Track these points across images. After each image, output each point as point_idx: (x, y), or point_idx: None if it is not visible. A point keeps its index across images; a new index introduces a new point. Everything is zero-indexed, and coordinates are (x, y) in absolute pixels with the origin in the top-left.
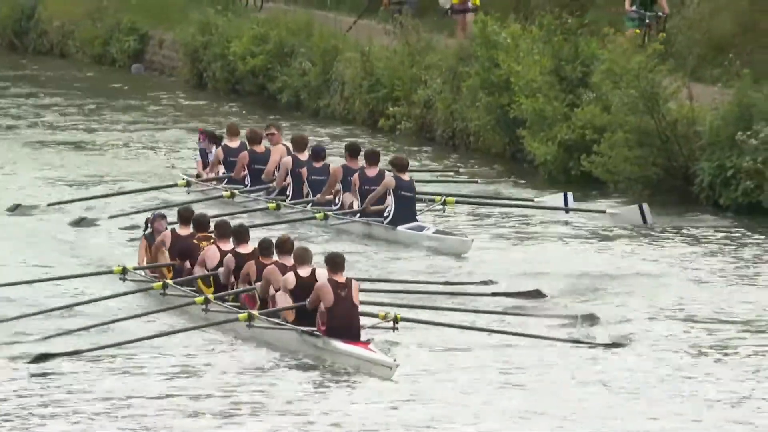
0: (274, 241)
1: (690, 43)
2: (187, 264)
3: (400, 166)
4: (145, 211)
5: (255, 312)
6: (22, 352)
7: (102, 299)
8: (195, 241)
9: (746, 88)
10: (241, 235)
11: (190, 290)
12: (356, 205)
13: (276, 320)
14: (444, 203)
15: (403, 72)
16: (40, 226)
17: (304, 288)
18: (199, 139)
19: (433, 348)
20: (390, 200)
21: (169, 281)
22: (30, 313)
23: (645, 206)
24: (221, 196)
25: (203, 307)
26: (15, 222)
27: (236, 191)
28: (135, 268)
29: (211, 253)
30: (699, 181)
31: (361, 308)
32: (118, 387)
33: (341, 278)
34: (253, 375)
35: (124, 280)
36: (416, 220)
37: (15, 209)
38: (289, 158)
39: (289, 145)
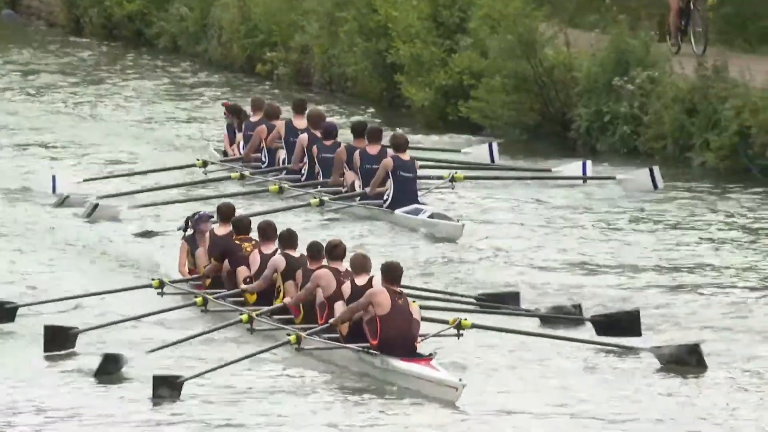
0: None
1: None
2: (226, 264)
3: (397, 145)
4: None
5: (303, 334)
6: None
7: (136, 318)
8: (237, 242)
9: (623, 34)
10: (289, 239)
11: (233, 302)
12: (357, 185)
13: (326, 339)
14: (452, 179)
15: (280, 17)
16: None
17: (360, 298)
18: (225, 114)
19: (504, 357)
20: (389, 182)
21: (210, 296)
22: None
23: (656, 169)
24: (229, 178)
25: (248, 326)
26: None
27: (246, 172)
28: (173, 281)
29: (253, 258)
30: (576, 127)
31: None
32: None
33: (397, 289)
34: (302, 399)
35: (162, 294)
36: (417, 202)
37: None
38: (306, 135)
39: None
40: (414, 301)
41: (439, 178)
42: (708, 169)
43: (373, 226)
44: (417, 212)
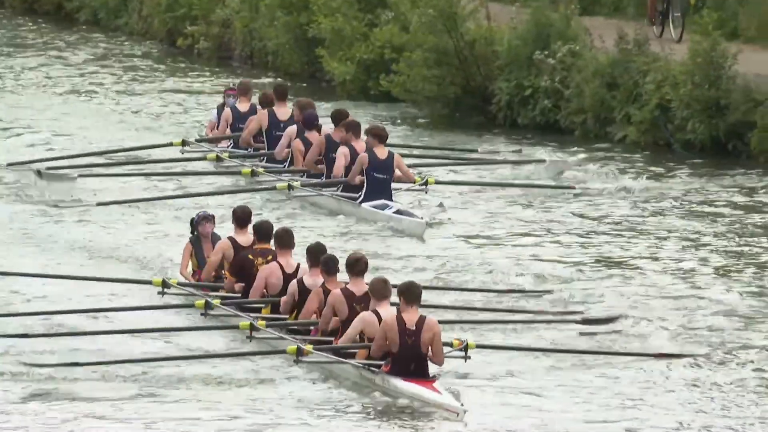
0: (339, 258)
1: None
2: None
3: (376, 137)
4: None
5: (306, 347)
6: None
7: (133, 309)
8: (251, 257)
9: (543, 8)
10: (313, 255)
11: (241, 308)
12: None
13: (329, 354)
14: (425, 183)
15: None
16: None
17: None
18: (226, 93)
19: (511, 376)
20: (363, 179)
21: (215, 302)
22: (53, 311)
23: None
24: (205, 158)
25: (247, 333)
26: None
27: (225, 155)
28: (179, 284)
29: (268, 272)
30: (497, 101)
31: None
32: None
33: (414, 315)
34: (301, 412)
35: (163, 294)
36: (389, 199)
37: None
38: (294, 127)
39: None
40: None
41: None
42: (628, 144)
43: (339, 218)
44: (384, 207)
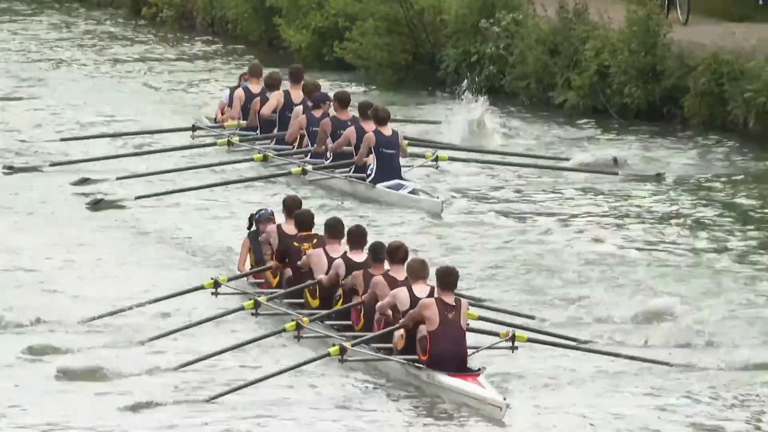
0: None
1: None
2: (288, 269)
3: (379, 118)
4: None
5: (348, 344)
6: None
7: (191, 326)
8: (296, 243)
9: None
10: (356, 238)
11: (290, 303)
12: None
13: (375, 348)
14: (436, 159)
15: None
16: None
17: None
18: (242, 78)
19: (558, 372)
20: (372, 157)
21: (262, 299)
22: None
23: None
24: (215, 144)
25: (295, 333)
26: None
27: (235, 139)
28: (229, 279)
29: (316, 258)
30: (445, 67)
31: (474, 324)
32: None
33: (450, 298)
34: (344, 410)
35: (216, 294)
36: (400, 177)
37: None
38: (300, 108)
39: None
40: (471, 313)
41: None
42: (569, 106)
43: (354, 199)
44: (398, 188)
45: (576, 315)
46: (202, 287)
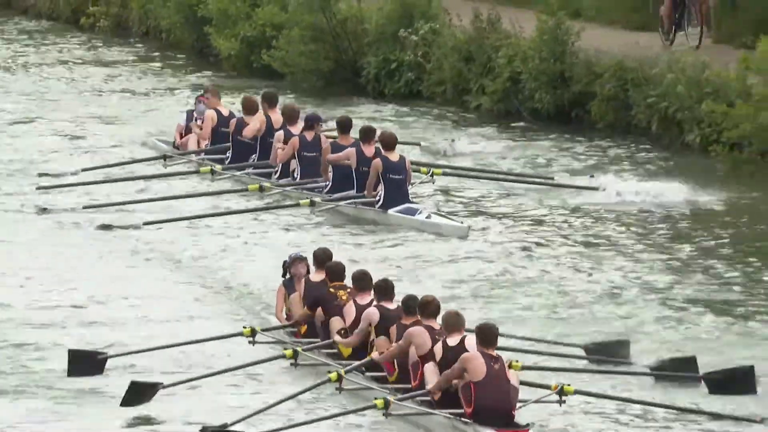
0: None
1: None
2: (320, 314)
3: (386, 144)
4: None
5: (391, 398)
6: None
7: (225, 371)
8: (331, 290)
9: None
10: (385, 290)
11: (326, 353)
12: (297, 171)
13: (416, 404)
14: (432, 174)
15: None
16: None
17: (452, 360)
18: (198, 100)
19: (606, 427)
20: (380, 184)
21: (299, 348)
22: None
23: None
24: (198, 172)
25: (336, 385)
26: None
27: (217, 167)
28: (264, 329)
29: (348, 309)
30: (366, 74)
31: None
32: None
33: (493, 352)
34: None
35: (253, 343)
36: (409, 201)
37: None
38: (281, 133)
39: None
40: (516, 362)
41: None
42: (483, 111)
43: (366, 227)
44: (412, 212)
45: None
46: (240, 334)
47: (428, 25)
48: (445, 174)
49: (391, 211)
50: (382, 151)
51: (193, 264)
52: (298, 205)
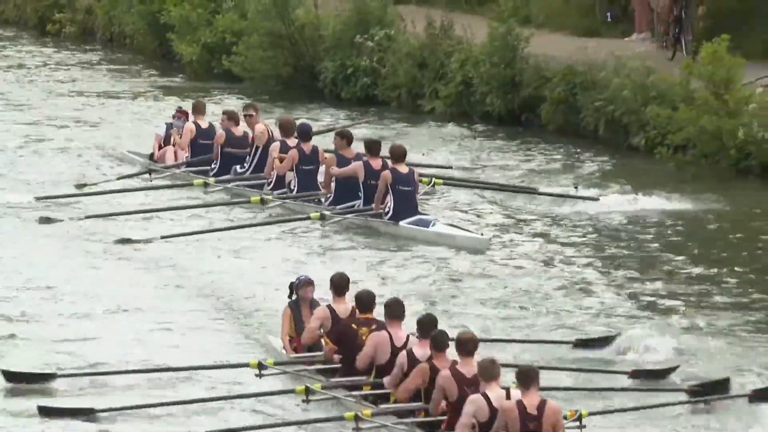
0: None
1: None
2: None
3: (396, 156)
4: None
5: None
6: None
7: (233, 397)
8: (354, 327)
9: None
10: (427, 327)
11: (346, 393)
12: (294, 183)
13: None
14: (433, 185)
15: None
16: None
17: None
18: (175, 116)
19: None
20: (389, 196)
21: (316, 386)
22: (145, 404)
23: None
24: (191, 184)
25: (353, 425)
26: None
27: (210, 180)
28: (275, 363)
29: (379, 341)
30: (324, 78)
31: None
32: None
33: (535, 396)
34: None
35: (260, 376)
36: (418, 213)
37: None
38: (278, 144)
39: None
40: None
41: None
42: (437, 114)
43: (378, 240)
44: (425, 224)
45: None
46: (247, 365)
47: (383, 31)
48: (446, 184)
49: (402, 223)
50: (390, 163)
51: (196, 279)
52: (309, 218)
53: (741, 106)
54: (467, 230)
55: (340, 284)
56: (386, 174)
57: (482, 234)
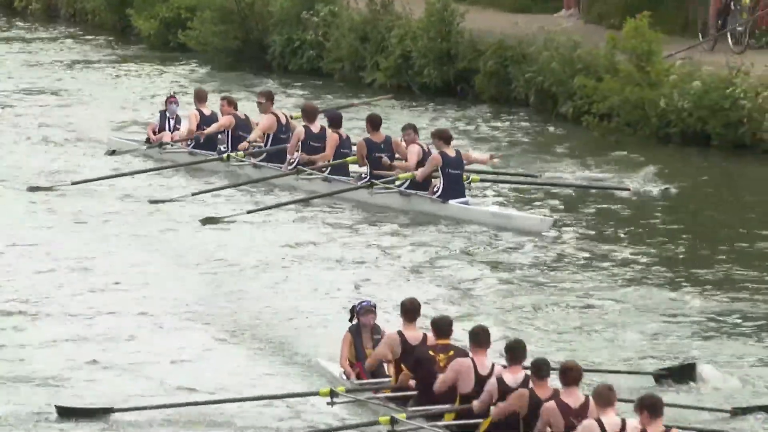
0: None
1: None
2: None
3: (444, 139)
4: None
5: None
6: None
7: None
8: (431, 353)
9: None
10: (516, 354)
11: (431, 422)
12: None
13: None
14: (470, 181)
15: None
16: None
17: None
18: (167, 101)
19: None
20: (439, 179)
21: (401, 416)
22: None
23: None
24: (222, 159)
25: None
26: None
27: (239, 153)
28: (347, 390)
29: (462, 367)
30: (272, 51)
31: None
32: None
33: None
34: None
35: (332, 404)
36: (464, 196)
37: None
38: (302, 129)
39: (279, 114)
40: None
41: None
42: (378, 86)
43: (426, 219)
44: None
45: None
46: (317, 393)
47: (327, 7)
48: (482, 180)
49: (451, 202)
50: (441, 145)
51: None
52: (358, 188)
53: (662, 77)
54: (526, 212)
55: (410, 310)
56: (436, 157)
57: (544, 216)
